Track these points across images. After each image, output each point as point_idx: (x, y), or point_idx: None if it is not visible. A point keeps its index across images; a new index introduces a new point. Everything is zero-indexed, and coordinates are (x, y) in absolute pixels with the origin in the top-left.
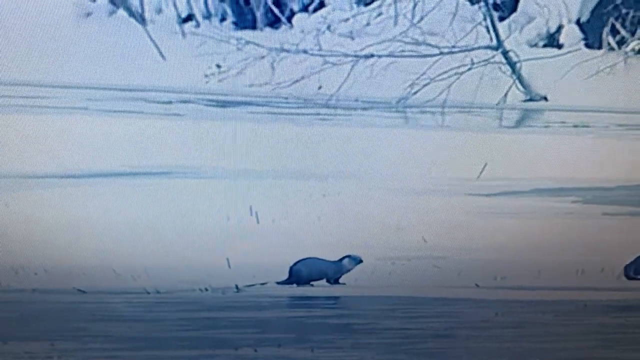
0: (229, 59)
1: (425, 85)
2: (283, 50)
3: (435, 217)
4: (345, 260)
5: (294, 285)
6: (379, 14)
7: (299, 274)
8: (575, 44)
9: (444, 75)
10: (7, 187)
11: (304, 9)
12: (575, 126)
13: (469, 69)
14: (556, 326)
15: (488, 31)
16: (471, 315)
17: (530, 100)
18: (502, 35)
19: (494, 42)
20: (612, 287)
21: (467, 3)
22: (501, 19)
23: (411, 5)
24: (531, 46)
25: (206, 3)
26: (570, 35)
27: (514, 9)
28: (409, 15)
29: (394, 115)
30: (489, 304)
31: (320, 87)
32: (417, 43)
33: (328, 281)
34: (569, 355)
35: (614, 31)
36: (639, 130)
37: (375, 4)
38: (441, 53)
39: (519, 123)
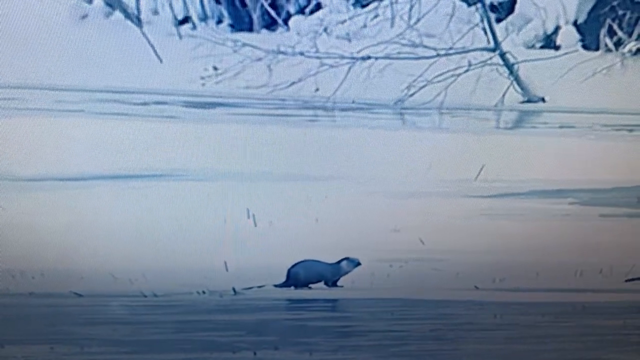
0: (226, 61)
1: (422, 87)
2: (280, 52)
3: (433, 219)
4: (344, 263)
5: (292, 288)
6: (376, 16)
7: (296, 277)
8: (572, 46)
9: (441, 77)
10: (3, 190)
11: (301, 11)
12: (572, 127)
13: (466, 71)
14: (555, 328)
15: (485, 33)
16: (470, 318)
17: (528, 101)
18: (499, 37)
19: (491, 43)
20: (610, 289)
21: (464, 5)
22: (498, 20)
23: (408, 7)
24: (528, 48)
25: (202, 5)
26: (568, 36)
27: (510, 10)
28: (405, 17)
29: (391, 117)
30: (487, 306)
31: (317, 89)
32: (414, 45)
33: (326, 284)
34: (567, 357)
35: (611, 32)
36: (635, 131)
37: (371, 6)
38: (438, 55)
39: (516, 125)
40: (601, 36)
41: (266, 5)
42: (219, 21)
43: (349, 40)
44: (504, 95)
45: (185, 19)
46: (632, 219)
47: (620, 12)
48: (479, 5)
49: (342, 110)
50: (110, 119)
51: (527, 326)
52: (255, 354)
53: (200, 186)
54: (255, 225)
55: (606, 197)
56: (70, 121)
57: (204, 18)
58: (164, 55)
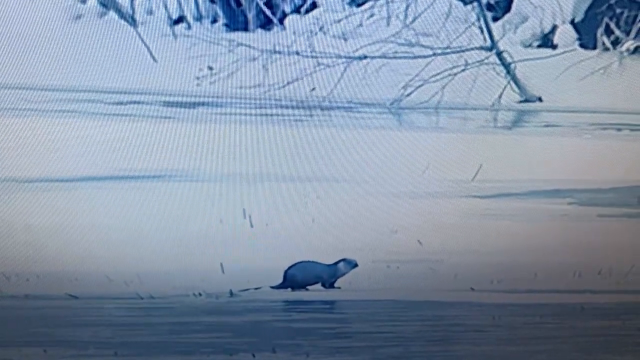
0: (221, 61)
1: (418, 86)
2: (275, 52)
3: (430, 220)
4: (341, 264)
5: (289, 289)
6: (372, 15)
7: (293, 278)
8: (569, 45)
9: (438, 77)
10: None
11: (296, 10)
12: (570, 126)
13: (463, 70)
14: (553, 329)
15: (482, 32)
16: (467, 319)
17: (525, 101)
18: (496, 36)
19: (488, 42)
20: (609, 290)
21: (460, 4)
22: (495, 19)
23: (404, 6)
24: (525, 47)
25: (197, 5)
26: (565, 35)
27: (507, 9)
28: (401, 16)
29: (387, 117)
30: (485, 307)
31: (313, 89)
32: (410, 44)
33: (323, 285)
34: (566, 358)
35: (608, 31)
36: (633, 130)
37: (367, 5)
38: (434, 54)
39: (513, 124)
40: (598, 35)
41: (261, 4)
42: (214, 21)
43: (345, 40)
44: (501, 95)
45: (180, 19)
46: (631, 219)
47: (618, 11)
48: (475, 4)
49: (339, 110)
50: (105, 120)
51: (525, 327)
52: (254, 355)
53: (196, 187)
54: (252, 226)
55: (605, 197)
56: (64, 122)
57: (199, 18)
58: (159, 55)
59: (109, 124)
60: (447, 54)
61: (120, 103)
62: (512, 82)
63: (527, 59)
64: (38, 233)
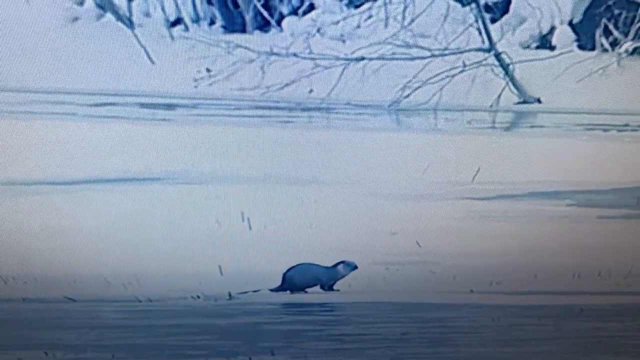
0: (219, 63)
1: (417, 88)
2: (273, 53)
3: (429, 222)
4: (340, 266)
5: (288, 292)
6: (369, 17)
7: (292, 281)
8: (567, 46)
9: (436, 78)
10: None
11: (294, 12)
12: (568, 128)
13: (461, 72)
14: (552, 331)
15: (480, 33)
16: (467, 321)
17: (524, 102)
18: (494, 37)
19: (486, 44)
20: (608, 291)
21: (458, 5)
22: (493, 20)
23: (401, 7)
24: (524, 48)
25: (195, 6)
26: (563, 36)
27: (505, 10)
28: (399, 18)
29: (386, 119)
30: (484, 309)
31: (311, 91)
32: (408, 45)
33: (322, 287)
34: None
35: (606, 32)
36: (631, 131)
37: (365, 7)
38: (433, 55)
39: (512, 126)
40: (597, 36)
41: (259, 6)
42: (212, 23)
43: (343, 41)
44: (499, 96)
45: (178, 21)
46: (630, 220)
47: (616, 12)
48: (473, 5)
49: (337, 112)
50: (103, 122)
51: (524, 329)
52: (250, 359)
53: (194, 189)
54: (250, 229)
55: (604, 199)
56: (61, 124)
57: (196, 20)
58: (156, 57)
59: (106, 126)
60: (445, 55)
61: (118, 105)
62: (510, 84)
63: (526, 60)
64: (35, 236)
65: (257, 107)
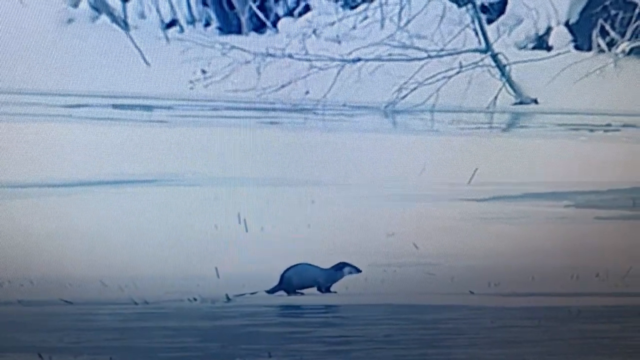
0: (214, 65)
1: (413, 89)
2: (269, 55)
3: (427, 223)
4: (345, 270)
5: (284, 293)
6: (365, 18)
7: (289, 281)
8: (564, 46)
9: (433, 79)
10: None
11: (289, 13)
12: (565, 129)
13: (458, 73)
14: (551, 332)
15: (476, 34)
16: (465, 323)
17: (521, 103)
18: (491, 38)
19: (483, 44)
20: (607, 293)
21: (454, 5)
22: (489, 21)
23: (397, 8)
24: (520, 48)
25: (190, 8)
26: (560, 37)
27: (502, 11)
28: (395, 19)
29: (382, 120)
30: (483, 310)
31: (307, 92)
32: (405, 46)
33: (319, 289)
34: None
35: (603, 33)
36: (629, 132)
37: (361, 8)
38: (429, 56)
39: (509, 127)
40: (593, 36)
41: (254, 7)
42: (207, 24)
43: (339, 43)
44: (496, 97)
45: (173, 22)
46: (628, 221)
47: (613, 12)
48: (469, 6)
49: (333, 113)
50: (98, 124)
51: (522, 331)
52: None
53: (190, 191)
54: (247, 231)
55: (601, 199)
56: (56, 126)
57: (192, 21)
58: (152, 59)
59: (101, 128)
60: (441, 56)
61: (114, 107)
62: (507, 84)
63: (522, 61)
64: (31, 238)
65: (253, 109)
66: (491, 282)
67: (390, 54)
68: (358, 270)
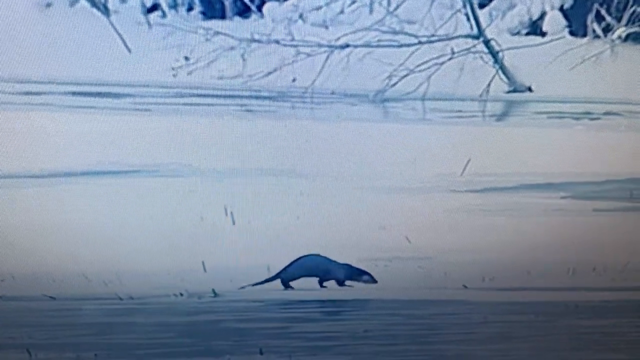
0: (198, 51)
1: (404, 76)
2: (254, 40)
3: (419, 216)
4: (365, 278)
5: (282, 286)
6: (353, 2)
7: (303, 265)
8: (559, 32)
9: (424, 66)
10: None
11: None
12: (561, 117)
13: (450, 59)
14: (547, 328)
15: (468, 19)
16: (459, 318)
17: (515, 91)
18: (483, 23)
19: (475, 30)
20: (604, 287)
21: None
22: (481, 6)
23: None
24: (513, 34)
25: None
26: (554, 22)
27: None
28: (384, 3)
29: (372, 109)
30: (477, 305)
31: (294, 80)
32: (394, 32)
33: (320, 282)
34: (560, 357)
35: (599, 18)
36: (626, 120)
37: None
38: (420, 42)
39: (503, 115)
40: (589, 22)
41: None
42: (190, 8)
43: (326, 28)
44: (489, 85)
45: (154, 7)
46: (625, 213)
47: None
48: None
49: (321, 101)
50: (78, 113)
51: (518, 326)
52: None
53: (175, 182)
54: (234, 224)
55: (598, 191)
56: (34, 115)
57: (174, 5)
58: (133, 45)
59: (82, 117)
60: (432, 42)
61: (94, 95)
62: (500, 72)
63: (516, 47)
64: (12, 232)
65: (238, 97)
66: (485, 277)
67: (379, 40)
68: (374, 281)
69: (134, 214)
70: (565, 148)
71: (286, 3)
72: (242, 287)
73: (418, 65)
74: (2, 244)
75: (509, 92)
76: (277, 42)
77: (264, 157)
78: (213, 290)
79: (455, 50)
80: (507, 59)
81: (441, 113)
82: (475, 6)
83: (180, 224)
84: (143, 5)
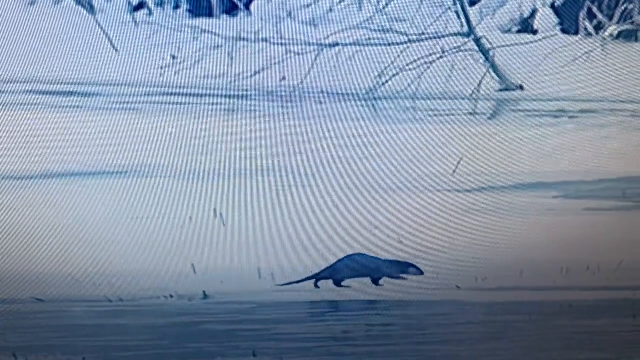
0: (185, 50)
1: (394, 75)
2: (241, 39)
3: (410, 216)
4: (411, 270)
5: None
6: (342, 0)
7: (342, 270)
8: (550, 30)
9: (414, 65)
10: None
11: None
12: (552, 116)
13: (440, 58)
14: (541, 328)
15: (458, 17)
16: (452, 318)
17: (506, 89)
18: (474, 21)
19: (465, 28)
20: (598, 287)
21: None
22: (472, 3)
23: None
24: (504, 32)
25: None
26: (545, 20)
27: None
28: (374, 1)
29: (362, 109)
30: (469, 305)
31: (283, 79)
32: (384, 30)
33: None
34: (554, 357)
35: (590, 15)
36: (618, 118)
37: None
38: (410, 41)
39: (494, 114)
40: (581, 19)
41: None
42: (177, 6)
43: (315, 26)
44: (480, 83)
45: (141, 5)
46: (618, 212)
47: None
48: None
49: (311, 100)
50: (64, 113)
51: (511, 326)
52: None
53: (163, 183)
54: (224, 225)
55: (591, 190)
56: (20, 115)
57: (160, 3)
58: (120, 44)
59: (68, 117)
60: (422, 40)
61: (80, 95)
62: (491, 70)
63: (507, 45)
64: None
65: (225, 96)
66: (478, 277)
67: (369, 39)
68: (421, 272)
69: (123, 215)
70: (557, 147)
71: (274, 1)
72: (301, 281)
73: (408, 64)
74: None
75: (500, 90)
76: (265, 40)
77: (253, 157)
78: (203, 292)
79: (446, 48)
80: (498, 57)
81: (432, 112)
82: (466, 4)
83: (170, 226)
84: (129, 3)
